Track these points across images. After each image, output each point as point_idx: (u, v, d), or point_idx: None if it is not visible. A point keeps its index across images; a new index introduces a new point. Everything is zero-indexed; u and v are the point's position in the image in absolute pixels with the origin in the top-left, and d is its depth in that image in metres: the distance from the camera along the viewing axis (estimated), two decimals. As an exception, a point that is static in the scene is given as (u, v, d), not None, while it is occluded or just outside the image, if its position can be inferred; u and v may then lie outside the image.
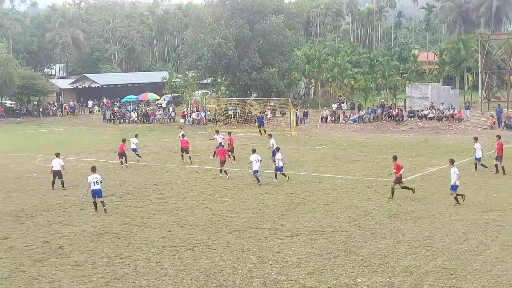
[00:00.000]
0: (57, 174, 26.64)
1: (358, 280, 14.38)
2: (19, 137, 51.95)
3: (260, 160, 26.84)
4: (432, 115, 50.36)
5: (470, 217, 19.93)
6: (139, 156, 34.64)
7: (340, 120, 54.12)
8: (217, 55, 53.76)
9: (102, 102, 77.68)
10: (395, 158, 23.51)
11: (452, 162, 22.34)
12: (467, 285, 13.88)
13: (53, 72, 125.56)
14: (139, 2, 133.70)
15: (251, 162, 26.59)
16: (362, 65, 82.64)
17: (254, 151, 27.21)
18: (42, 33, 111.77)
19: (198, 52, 56.43)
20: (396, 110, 52.20)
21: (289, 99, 56.70)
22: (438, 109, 50.71)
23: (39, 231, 19.71)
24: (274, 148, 29.32)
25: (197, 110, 59.74)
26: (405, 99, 56.05)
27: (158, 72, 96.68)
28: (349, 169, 29.90)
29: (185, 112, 59.83)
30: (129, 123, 61.77)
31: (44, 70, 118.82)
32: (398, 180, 22.94)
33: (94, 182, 21.98)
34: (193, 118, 57.95)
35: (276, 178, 27.12)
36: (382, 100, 63.07)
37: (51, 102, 79.69)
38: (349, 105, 62.09)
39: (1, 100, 79.89)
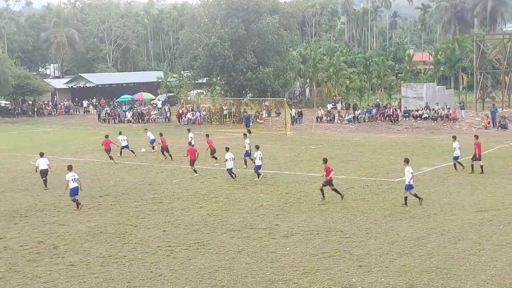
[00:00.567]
0: (45, 173, 26.72)
1: (353, 280, 14.39)
2: (13, 137, 51.77)
3: (233, 158, 27.42)
4: (427, 115, 50.45)
5: (464, 217, 19.95)
6: (133, 152, 35.03)
7: (335, 120, 54.13)
8: (212, 54, 53.74)
9: (97, 102, 77.50)
10: (325, 160, 23.53)
11: (407, 161, 22.24)
12: (461, 285, 13.89)
13: (48, 72, 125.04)
14: (134, 1, 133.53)
15: (226, 160, 27.14)
16: (357, 65, 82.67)
17: (227, 149, 27.70)
18: (37, 33, 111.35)
19: (193, 52, 56.43)
20: (391, 110, 52.29)
21: (284, 99, 56.70)
22: (433, 109, 50.79)
23: (34, 231, 19.67)
24: (248, 148, 30.12)
25: (192, 110, 59.63)
26: (400, 99, 56.15)
27: (153, 71, 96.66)
28: (344, 169, 29.92)
29: (180, 112, 59.66)
30: (124, 122, 61.66)
31: (39, 70, 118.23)
32: (328, 182, 22.97)
33: (72, 180, 22.19)
34: (188, 118, 57.86)
35: (258, 177, 27.26)
36: (377, 100, 63.18)
37: (45, 102, 79.41)
38: (344, 105, 62.17)
39: (-4, 100, 79.81)
